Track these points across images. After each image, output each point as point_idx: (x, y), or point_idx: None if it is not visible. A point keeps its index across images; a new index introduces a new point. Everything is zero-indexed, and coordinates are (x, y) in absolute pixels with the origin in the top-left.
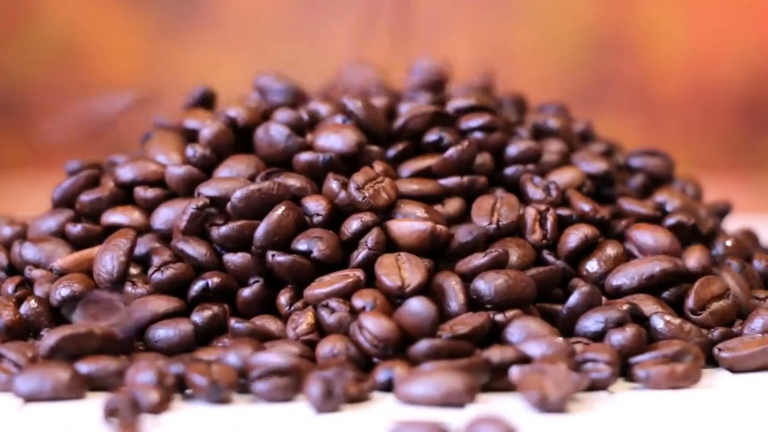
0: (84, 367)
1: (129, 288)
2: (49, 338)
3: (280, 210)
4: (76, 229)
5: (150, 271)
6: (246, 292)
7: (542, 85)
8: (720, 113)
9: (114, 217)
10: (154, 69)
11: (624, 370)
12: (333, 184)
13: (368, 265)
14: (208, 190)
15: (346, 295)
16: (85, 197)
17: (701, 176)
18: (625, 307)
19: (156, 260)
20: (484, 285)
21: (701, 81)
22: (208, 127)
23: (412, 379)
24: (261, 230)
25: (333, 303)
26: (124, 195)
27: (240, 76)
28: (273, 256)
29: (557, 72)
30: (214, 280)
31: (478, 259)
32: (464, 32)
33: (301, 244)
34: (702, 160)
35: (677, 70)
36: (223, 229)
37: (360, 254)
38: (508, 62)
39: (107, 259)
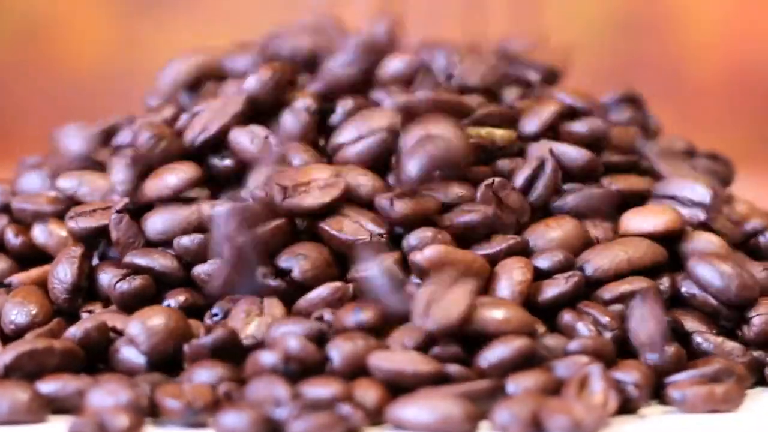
0: (45, 386)
1: (86, 316)
2: (4, 355)
3: (276, 222)
4: (17, 240)
5: (113, 281)
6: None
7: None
8: (757, 101)
9: (40, 232)
10: (127, 48)
11: (659, 390)
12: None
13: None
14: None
15: (331, 304)
16: (20, 204)
17: (737, 168)
18: None
19: (115, 272)
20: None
21: (737, 66)
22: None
23: (406, 401)
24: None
25: (327, 315)
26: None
27: None
28: (265, 276)
29: (579, 55)
30: (178, 298)
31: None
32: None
33: (283, 261)
34: (737, 151)
35: (710, 54)
36: (184, 240)
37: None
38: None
39: (60, 269)
